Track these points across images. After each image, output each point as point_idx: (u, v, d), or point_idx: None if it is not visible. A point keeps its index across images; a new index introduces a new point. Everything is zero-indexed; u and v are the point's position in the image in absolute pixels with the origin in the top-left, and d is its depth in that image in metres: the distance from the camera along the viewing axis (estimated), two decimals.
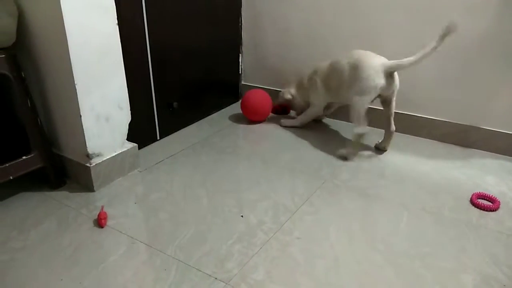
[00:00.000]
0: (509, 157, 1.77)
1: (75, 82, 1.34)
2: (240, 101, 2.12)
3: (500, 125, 1.76)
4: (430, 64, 1.82)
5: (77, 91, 1.35)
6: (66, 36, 1.28)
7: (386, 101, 1.73)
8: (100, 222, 1.30)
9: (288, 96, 2.07)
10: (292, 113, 2.24)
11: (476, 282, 1.09)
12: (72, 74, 1.33)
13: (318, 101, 1.95)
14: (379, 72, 1.61)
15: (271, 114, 2.21)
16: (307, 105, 2.04)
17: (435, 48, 1.50)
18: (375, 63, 1.63)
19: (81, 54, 1.33)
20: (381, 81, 1.61)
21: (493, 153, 1.80)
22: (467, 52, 1.74)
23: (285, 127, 2.08)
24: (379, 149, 1.83)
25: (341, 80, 1.74)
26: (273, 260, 1.16)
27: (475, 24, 1.68)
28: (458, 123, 1.85)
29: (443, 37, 1.48)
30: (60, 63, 1.34)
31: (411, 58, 1.56)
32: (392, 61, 1.61)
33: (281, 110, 2.23)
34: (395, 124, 1.77)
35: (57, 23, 1.28)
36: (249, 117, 2.13)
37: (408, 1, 1.79)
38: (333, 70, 1.80)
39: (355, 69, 1.66)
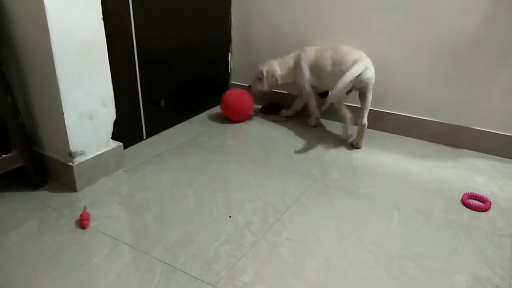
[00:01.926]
0: (499, 157, 1.76)
1: (58, 78, 1.30)
2: (221, 102, 2.10)
3: (490, 125, 1.76)
4: (420, 64, 1.81)
5: (59, 87, 1.30)
6: (48, 30, 1.23)
7: (361, 94, 1.79)
8: (82, 223, 1.25)
9: (271, 80, 2.02)
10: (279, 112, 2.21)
11: (469, 283, 1.07)
12: (55, 70, 1.28)
13: (305, 81, 1.95)
14: (360, 66, 1.69)
15: (258, 114, 2.19)
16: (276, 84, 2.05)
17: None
18: (357, 58, 1.72)
19: (64, 48, 1.29)
20: (365, 73, 1.70)
21: (483, 153, 1.79)
22: (457, 52, 1.73)
23: (314, 126, 2.06)
24: (353, 146, 1.84)
25: (324, 71, 1.84)
26: (262, 262, 1.12)
27: (465, 23, 1.67)
28: (448, 123, 1.84)
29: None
30: (42, 58, 1.29)
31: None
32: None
33: (270, 109, 2.21)
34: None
35: (39, 16, 1.23)
36: (230, 117, 2.10)
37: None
38: (318, 62, 1.88)
39: (340, 63, 1.76)
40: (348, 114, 1.86)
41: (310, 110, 2.03)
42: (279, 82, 2.02)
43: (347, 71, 1.66)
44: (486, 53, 1.67)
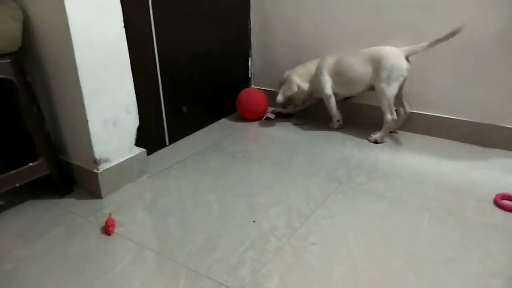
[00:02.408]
0: None
1: (81, 86, 1.31)
2: (236, 102, 2.16)
3: None
4: (447, 62, 1.75)
5: (83, 95, 1.32)
6: (71, 40, 1.25)
7: (401, 85, 1.78)
8: (107, 229, 1.25)
9: (295, 88, 1.96)
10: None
11: None
12: (78, 78, 1.30)
13: (327, 88, 1.92)
14: (402, 57, 1.72)
15: (273, 116, 2.18)
16: (307, 97, 2.04)
17: (439, 40, 1.63)
18: (395, 50, 1.74)
19: (87, 57, 1.30)
20: (405, 64, 1.73)
21: None
22: (483, 49, 1.67)
23: (336, 129, 2.02)
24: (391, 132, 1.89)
25: (352, 76, 1.83)
26: (288, 267, 1.10)
27: (490, 19, 1.61)
28: (478, 121, 1.77)
29: (450, 35, 1.60)
30: (66, 67, 1.31)
31: (425, 44, 1.68)
32: (407, 47, 1.73)
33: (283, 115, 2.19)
34: (407, 123, 1.87)
35: (62, 27, 1.25)
36: (245, 116, 2.15)
37: None
38: (342, 69, 1.86)
39: (376, 60, 1.75)
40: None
41: (331, 113, 1.98)
42: (297, 91, 1.98)
43: (391, 64, 1.71)
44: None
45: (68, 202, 1.44)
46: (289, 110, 2.16)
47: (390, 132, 1.89)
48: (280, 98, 1.98)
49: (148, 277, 1.08)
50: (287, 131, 2.02)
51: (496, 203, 1.36)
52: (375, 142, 1.84)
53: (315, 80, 1.95)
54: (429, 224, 1.27)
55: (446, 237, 1.21)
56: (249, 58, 2.32)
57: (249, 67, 2.35)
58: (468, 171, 1.59)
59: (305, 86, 1.98)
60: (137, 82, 1.51)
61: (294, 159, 1.72)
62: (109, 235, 1.25)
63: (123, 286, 1.05)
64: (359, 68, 1.80)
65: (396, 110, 1.79)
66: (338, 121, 2.00)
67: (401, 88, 1.78)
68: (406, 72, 1.73)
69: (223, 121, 2.18)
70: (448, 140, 1.85)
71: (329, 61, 1.91)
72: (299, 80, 1.97)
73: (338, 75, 1.88)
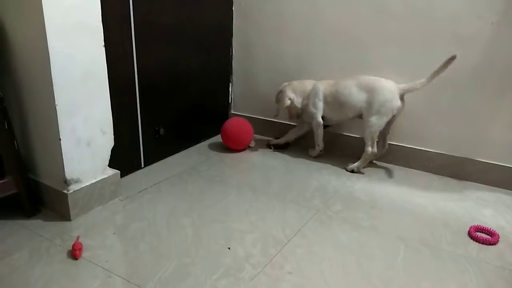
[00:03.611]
0: (505, 190, 1.72)
1: (56, 103, 1.28)
2: (221, 130, 2.09)
3: (495, 157, 1.73)
4: (423, 96, 1.79)
5: (57, 112, 1.28)
6: (49, 56, 1.22)
7: (389, 122, 1.79)
8: (74, 253, 1.19)
9: (288, 102, 1.94)
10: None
11: None
12: (54, 95, 1.26)
13: (318, 111, 1.90)
14: (396, 95, 1.72)
15: (256, 144, 2.15)
16: (300, 113, 2.00)
17: (437, 73, 1.64)
18: (391, 87, 1.73)
19: (63, 74, 1.27)
20: (398, 102, 1.73)
21: (489, 186, 1.75)
22: (458, 84, 1.72)
23: (312, 157, 2.02)
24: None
25: (346, 101, 1.81)
26: None
27: (466, 55, 1.67)
28: (453, 155, 1.81)
29: (446, 63, 1.61)
30: (41, 82, 1.28)
31: (423, 80, 1.68)
32: (405, 85, 1.73)
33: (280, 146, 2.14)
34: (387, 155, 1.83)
35: (40, 42, 1.22)
36: (230, 146, 2.08)
37: (400, 33, 1.79)
38: (337, 91, 1.84)
39: (370, 91, 1.74)
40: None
41: (316, 141, 1.98)
42: (290, 105, 1.95)
43: (384, 99, 1.71)
44: (488, 84, 1.67)
45: (34, 224, 1.37)
46: (287, 138, 2.11)
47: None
48: (276, 113, 2.00)
49: None
50: (265, 157, 2.01)
51: (470, 235, 1.37)
52: (352, 171, 1.85)
53: (309, 101, 1.91)
54: (405, 255, 1.26)
55: (422, 268, 1.20)
56: (230, 84, 2.33)
57: (230, 93, 2.35)
58: (443, 203, 1.60)
59: (299, 101, 1.94)
60: (115, 102, 1.48)
61: (271, 186, 1.70)
62: (76, 259, 1.19)
63: None
64: (354, 93, 1.78)
65: (377, 141, 1.81)
66: (321, 150, 1.99)
67: (389, 123, 1.79)
68: (397, 110, 1.74)
69: (201, 145, 2.16)
70: (423, 172, 1.88)
71: (326, 84, 1.90)
72: (292, 94, 1.94)
73: (333, 97, 1.85)
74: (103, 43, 1.39)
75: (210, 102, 2.23)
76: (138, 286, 1.09)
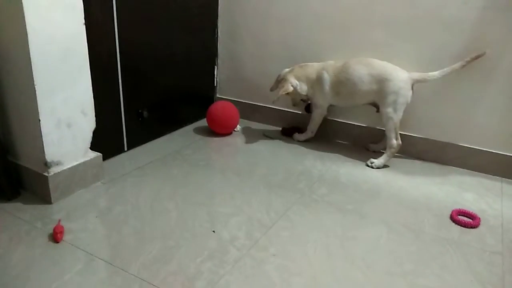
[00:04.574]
0: (486, 174, 1.75)
1: (35, 83, 1.23)
2: (206, 114, 2.05)
3: (477, 142, 1.75)
4: None
5: (36, 92, 1.24)
6: (27, 33, 1.18)
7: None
8: (55, 236, 1.17)
9: (291, 88, 1.86)
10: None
11: None
12: (32, 74, 1.22)
13: (324, 101, 1.87)
14: (409, 85, 1.69)
15: (239, 128, 2.13)
16: (302, 99, 1.94)
17: (457, 68, 1.64)
18: (405, 77, 1.68)
19: (43, 52, 1.23)
20: (410, 92, 1.70)
21: (471, 171, 1.78)
22: (441, 68, 1.72)
23: (299, 141, 2.00)
24: (375, 151, 1.91)
25: (357, 89, 1.75)
26: (247, 279, 1.06)
27: (452, 40, 1.68)
28: (435, 139, 1.83)
29: (470, 61, 1.62)
30: (19, 62, 1.23)
31: (436, 73, 1.67)
32: (418, 74, 1.69)
33: (291, 131, 2.08)
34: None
35: (17, 19, 1.17)
36: (215, 130, 2.06)
37: (387, 17, 1.78)
38: (347, 78, 1.75)
39: (383, 81, 1.68)
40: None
41: (310, 127, 1.96)
42: (292, 93, 1.88)
43: (398, 89, 1.66)
44: (472, 69, 1.67)
45: (14, 207, 1.34)
46: (303, 138, 2.02)
47: (372, 151, 1.92)
48: (274, 98, 1.88)
49: None
50: (251, 142, 2.00)
51: (453, 218, 1.39)
52: (375, 166, 1.76)
53: (315, 90, 1.86)
54: (388, 237, 1.28)
55: (404, 251, 1.21)
56: (215, 67, 2.30)
57: (215, 76, 2.32)
58: (425, 187, 1.62)
59: (304, 88, 1.87)
60: (96, 82, 1.44)
61: (256, 170, 1.69)
62: (57, 242, 1.17)
63: None
64: (366, 81, 1.71)
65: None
66: (311, 134, 1.98)
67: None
68: (410, 99, 1.71)
69: (186, 129, 2.13)
70: (406, 157, 1.89)
71: (332, 69, 1.81)
72: (295, 81, 1.86)
73: (342, 86, 1.78)
74: (84, 21, 1.34)
75: (195, 85, 2.19)
76: (122, 269, 1.08)
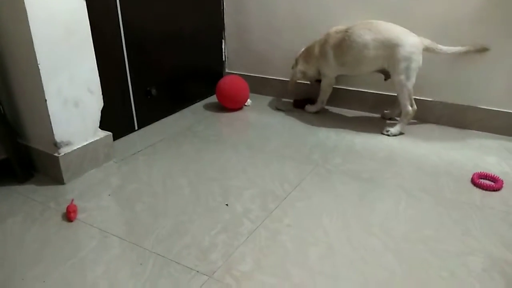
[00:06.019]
0: (508, 136, 1.67)
1: (39, 63, 1.22)
2: (215, 89, 2.01)
3: (498, 104, 1.67)
4: None
5: (40, 72, 1.22)
6: (26, 11, 1.15)
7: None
8: (69, 215, 1.17)
9: (299, 76, 1.90)
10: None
11: (485, 265, 0.99)
12: (35, 54, 1.20)
13: (330, 72, 1.82)
14: (420, 51, 1.61)
15: (250, 103, 2.09)
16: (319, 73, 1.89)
17: (463, 51, 1.62)
18: (416, 42, 1.60)
19: (44, 31, 1.21)
20: (421, 57, 1.61)
21: (492, 134, 1.70)
22: (459, 30, 1.64)
23: (311, 112, 1.96)
24: (391, 118, 1.87)
25: (362, 56, 1.66)
26: (262, 250, 1.04)
27: (467, 3, 1.59)
28: (454, 103, 1.75)
29: (473, 51, 1.62)
30: (21, 41, 1.21)
31: (444, 48, 1.62)
32: (429, 41, 1.62)
33: (303, 102, 2.03)
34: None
35: None
36: (225, 105, 2.02)
37: None
38: (351, 45, 1.67)
39: (393, 47, 1.59)
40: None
41: (320, 98, 1.91)
42: (300, 77, 1.91)
43: (409, 55, 1.58)
44: (489, 29, 1.59)
45: (27, 189, 1.34)
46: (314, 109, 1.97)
47: (385, 118, 1.88)
48: (289, 85, 1.95)
49: (112, 264, 1.00)
50: (262, 115, 1.96)
51: (474, 182, 1.34)
52: (392, 135, 1.70)
53: (320, 63, 1.82)
54: (407, 204, 1.24)
55: (424, 217, 1.18)
56: (223, 41, 2.24)
57: (223, 50, 2.27)
58: (445, 152, 1.56)
59: (312, 69, 1.86)
60: (101, 60, 1.42)
61: (269, 143, 1.66)
62: (71, 221, 1.17)
63: (85, 273, 0.97)
64: (373, 48, 1.62)
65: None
66: (322, 105, 1.93)
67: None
68: (421, 63, 1.62)
69: (196, 105, 2.10)
70: (424, 123, 1.83)
71: (334, 40, 1.73)
72: (302, 66, 1.88)
73: (345, 55, 1.70)
74: None
75: (203, 61, 2.15)
76: (136, 244, 1.07)
